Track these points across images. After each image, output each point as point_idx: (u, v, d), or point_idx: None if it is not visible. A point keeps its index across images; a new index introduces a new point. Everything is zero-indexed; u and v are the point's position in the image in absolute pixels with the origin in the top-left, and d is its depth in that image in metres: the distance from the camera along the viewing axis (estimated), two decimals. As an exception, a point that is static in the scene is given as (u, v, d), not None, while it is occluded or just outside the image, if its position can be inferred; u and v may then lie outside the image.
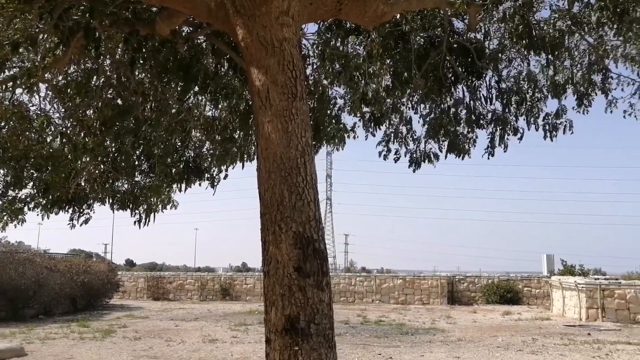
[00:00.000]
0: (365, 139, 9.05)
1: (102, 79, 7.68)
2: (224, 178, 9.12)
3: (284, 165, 3.77)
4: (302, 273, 3.64)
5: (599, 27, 7.20)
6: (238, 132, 8.58)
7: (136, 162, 8.80)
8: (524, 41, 7.16)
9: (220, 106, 8.50)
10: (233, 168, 9.03)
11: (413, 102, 8.59)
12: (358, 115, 8.66)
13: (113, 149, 8.38)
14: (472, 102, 8.17)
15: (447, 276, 29.47)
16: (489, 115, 8.10)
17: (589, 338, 14.93)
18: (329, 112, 8.53)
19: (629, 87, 7.80)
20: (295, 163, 3.78)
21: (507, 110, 7.94)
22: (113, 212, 9.09)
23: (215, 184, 9.03)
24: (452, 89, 8.13)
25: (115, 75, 7.70)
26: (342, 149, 9.37)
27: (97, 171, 8.71)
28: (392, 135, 8.80)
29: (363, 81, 8.24)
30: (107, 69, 7.69)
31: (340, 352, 12.77)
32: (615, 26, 6.94)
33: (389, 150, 8.79)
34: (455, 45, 7.76)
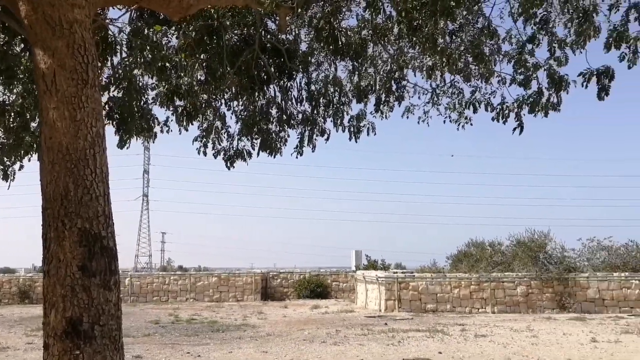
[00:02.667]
0: (180, 134, 8.83)
1: None
2: (19, 170, 8.30)
3: (70, 157, 3.50)
4: (87, 272, 3.41)
5: (399, 38, 7.81)
6: (36, 120, 7.85)
7: None
8: (330, 46, 7.52)
9: (15, 90, 7.71)
10: (29, 160, 8.23)
11: (226, 99, 8.59)
12: (171, 108, 8.43)
13: None
14: (283, 102, 8.39)
15: (262, 272, 29.99)
16: (299, 115, 8.38)
17: (386, 327, 16.19)
18: (138, 103, 8.16)
19: (424, 96, 8.58)
20: (83, 154, 3.53)
21: (315, 111, 8.28)
22: None
23: (10, 176, 8.18)
24: (265, 87, 8.26)
25: None
26: (153, 142, 9.09)
27: None
28: (207, 131, 8.72)
29: (175, 74, 8.04)
30: None
31: (147, 352, 12.37)
32: (412, 39, 7.57)
33: (206, 146, 8.70)
34: (268, 45, 7.90)
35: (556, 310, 20.79)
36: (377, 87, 8.14)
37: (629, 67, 6.37)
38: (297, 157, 8.36)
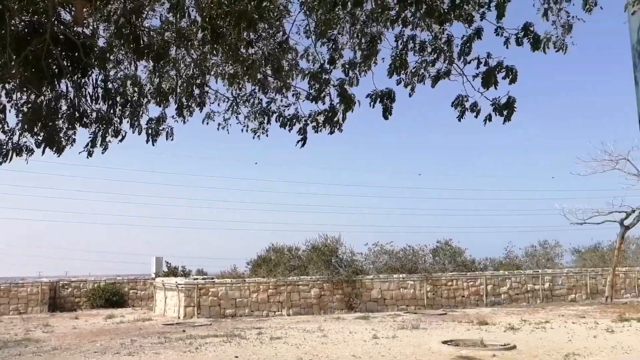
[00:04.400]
0: None
1: None
2: None
3: None
4: None
5: (203, 44, 7.83)
6: None
7: None
8: (131, 45, 7.26)
9: None
10: None
11: (8, 90, 7.84)
12: None
13: None
14: (76, 98, 7.89)
15: (50, 282, 27.58)
16: (94, 114, 7.95)
17: (184, 334, 15.93)
18: None
19: (224, 103, 8.68)
20: None
21: (112, 111, 7.92)
22: None
23: None
24: (55, 81, 7.69)
25: None
26: None
27: None
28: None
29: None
30: None
31: None
32: (215, 46, 7.64)
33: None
34: (61, 37, 7.39)
35: (345, 311, 22.34)
36: (179, 90, 8.06)
37: (410, 95, 7.20)
38: (87, 157, 7.92)
